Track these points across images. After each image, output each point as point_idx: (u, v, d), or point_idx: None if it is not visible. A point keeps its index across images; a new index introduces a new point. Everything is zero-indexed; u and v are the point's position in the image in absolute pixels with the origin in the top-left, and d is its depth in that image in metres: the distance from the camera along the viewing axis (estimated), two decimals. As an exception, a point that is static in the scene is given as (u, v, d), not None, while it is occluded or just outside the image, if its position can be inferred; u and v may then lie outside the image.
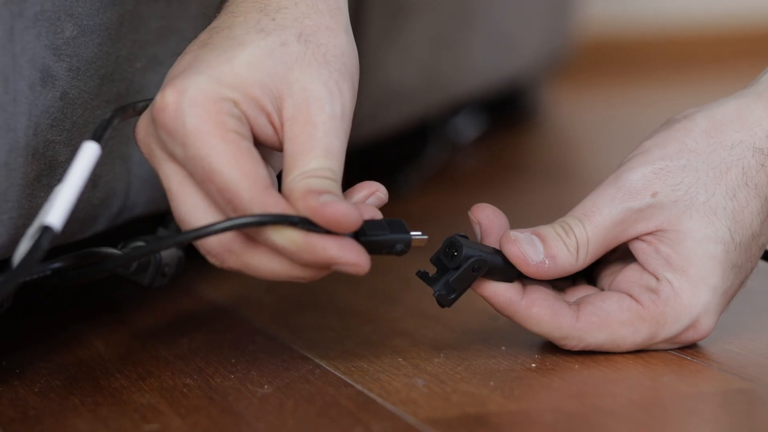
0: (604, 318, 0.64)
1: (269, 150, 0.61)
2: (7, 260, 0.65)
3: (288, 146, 0.59)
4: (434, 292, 0.63)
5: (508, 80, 1.61)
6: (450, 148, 1.50)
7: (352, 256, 0.57)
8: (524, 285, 0.64)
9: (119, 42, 0.69)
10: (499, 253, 0.63)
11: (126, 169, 0.72)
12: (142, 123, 0.60)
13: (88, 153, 0.58)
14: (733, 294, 0.66)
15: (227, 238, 0.59)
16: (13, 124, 0.62)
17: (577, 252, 0.64)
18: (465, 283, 0.63)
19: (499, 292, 0.64)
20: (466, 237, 0.64)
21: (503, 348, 0.67)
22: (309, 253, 0.57)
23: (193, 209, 0.59)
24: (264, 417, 0.59)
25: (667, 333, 0.64)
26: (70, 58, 0.65)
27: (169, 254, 0.70)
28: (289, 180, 0.58)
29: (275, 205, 0.57)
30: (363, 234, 0.59)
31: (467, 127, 1.60)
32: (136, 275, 0.68)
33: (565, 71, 1.92)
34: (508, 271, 0.64)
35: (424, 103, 1.29)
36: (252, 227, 0.57)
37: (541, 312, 0.64)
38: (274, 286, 0.83)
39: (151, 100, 0.60)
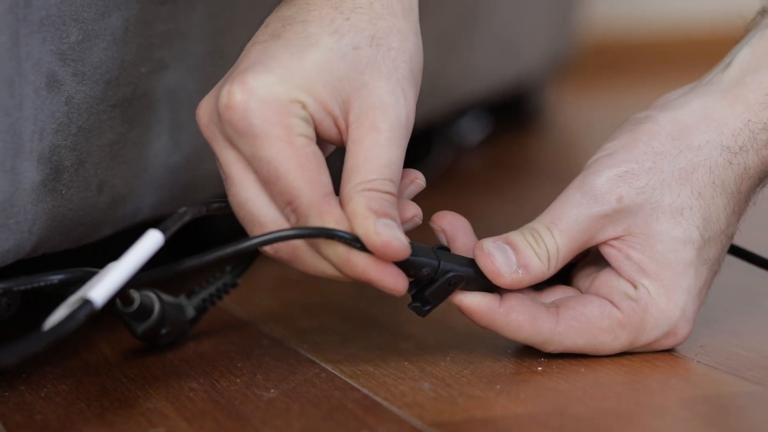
0: (584, 323, 0.64)
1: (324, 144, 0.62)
2: (11, 266, 0.65)
3: (351, 149, 0.60)
4: (410, 303, 0.63)
5: (512, 82, 1.61)
6: (455, 150, 1.50)
7: (390, 281, 0.59)
8: (501, 292, 0.64)
9: (125, 46, 0.69)
10: (475, 263, 0.64)
11: (132, 174, 0.72)
12: (206, 109, 0.60)
13: (151, 241, 0.57)
14: (707, 288, 0.66)
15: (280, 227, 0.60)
16: (19, 128, 0.62)
17: (548, 260, 0.63)
18: (441, 297, 0.63)
19: (476, 301, 0.63)
20: (446, 249, 0.64)
21: (509, 351, 0.67)
22: (349, 270, 0.59)
23: (254, 198, 0.60)
24: (270, 421, 0.59)
25: (646, 339, 0.64)
26: (75, 63, 0.65)
27: (174, 316, 0.69)
28: (350, 187, 0.59)
29: (332, 214, 0.58)
30: None
31: (472, 130, 1.60)
32: (135, 319, 0.68)
33: (569, 73, 1.92)
34: (486, 281, 0.63)
35: (428, 105, 1.29)
36: (302, 239, 0.59)
37: (520, 318, 0.63)
38: (279, 290, 0.83)
39: (222, 201, 0.61)
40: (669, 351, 0.67)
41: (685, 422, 0.58)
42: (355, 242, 0.58)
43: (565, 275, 0.68)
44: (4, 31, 0.60)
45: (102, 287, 0.55)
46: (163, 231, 0.58)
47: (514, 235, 0.64)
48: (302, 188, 0.58)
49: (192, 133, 0.77)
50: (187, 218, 0.59)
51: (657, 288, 0.64)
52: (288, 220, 0.60)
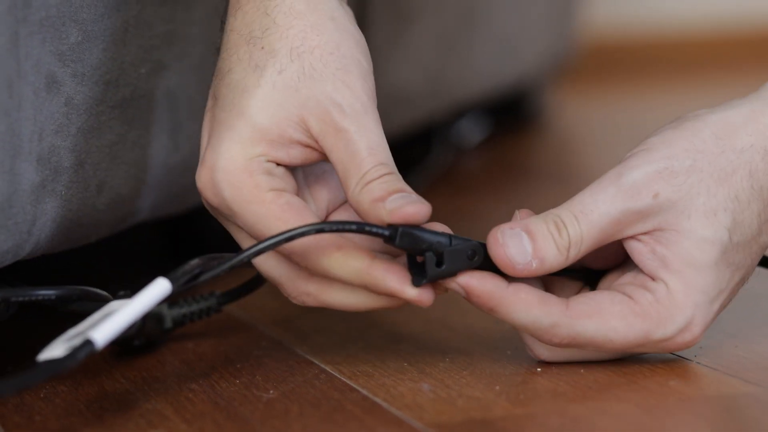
0: (594, 307, 0.62)
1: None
2: (10, 267, 0.65)
3: (332, 158, 0.60)
4: (425, 255, 0.60)
5: (512, 83, 1.61)
6: (454, 151, 1.50)
7: (413, 293, 0.59)
8: (509, 279, 0.62)
9: (124, 47, 0.69)
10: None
11: (131, 175, 0.72)
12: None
13: (158, 288, 0.57)
14: (730, 293, 0.64)
15: (298, 279, 0.62)
16: (18, 129, 0.62)
17: (568, 251, 0.61)
18: (455, 265, 0.60)
19: (483, 281, 0.61)
20: None
21: (508, 352, 0.67)
22: (372, 285, 0.59)
23: (264, 259, 0.62)
24: (269, 422, 0.59)
25: (662, 333, 0.62)
26: (74, 64, 0.65)
27: (152, 326, 0.70)
28: (350, 194, 0.60)
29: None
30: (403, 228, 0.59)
31: (471, 131, 1.60)
32: None
33: (569, 74, 1.92)
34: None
35: (428, 106, 1.29)
36: (323, 233, 0.59)
37: (530, 297, 0.61)
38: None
39: (234, 255, 0.61)
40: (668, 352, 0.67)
41: (685, 423, 0.58)
42: (382, 230, 0.59)
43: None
44: (3, 32, 0.60)
45: (105, 329, 0.55)
46: (172, 281, 0.58)
47: (535, 223, 0.61)
48: None
49: (191, 133, 0.77)
50: (197, 270, 0.59)
51: (676, 284, 0.62)
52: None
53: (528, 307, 0.61)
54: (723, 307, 0.64)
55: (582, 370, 0.64)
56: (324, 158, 0.62)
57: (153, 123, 0.74)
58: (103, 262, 0.96)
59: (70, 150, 0.66)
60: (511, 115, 1.76)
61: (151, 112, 0.73)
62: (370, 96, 0.61)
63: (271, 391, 0.63)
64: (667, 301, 0.62)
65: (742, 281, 0.65)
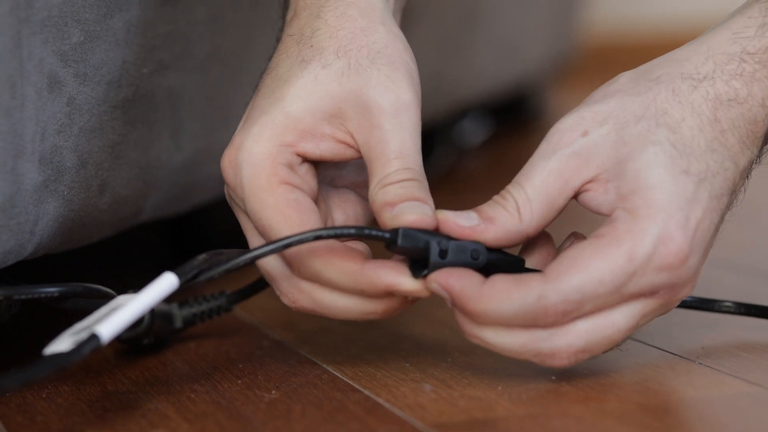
0: (569, 261, 0.58)
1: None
2: (11, 268, 0.65)
3: (363, 154, 0.61)
4: (429, 245, 0.59)
5: (513, 84, 1.61)
6: (456, 151, 1.50)
7: (411, 284, 0.59)
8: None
9: (126, 47, 0.69)
10: (500, 254, 0.61)
11: (133, 175, 0.72)
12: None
13: (165, 283, 0.57)
14: (706, 208, 0.59)
15: (293, 276, 0.61)
16: (20, 129, 0.62)
17: (519, 212, 0.59)
18: (458, 259, 0.59)
19: (462, 277, 0.59)
20: None
21: (510, 352, 0.67)
22: (366, 284, 0.59)
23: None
24: (271, 422, 0.59)
25: (642, 250, 0.58)
26: (77, 64, 0.65)
27: (161, 324, 0.69)
28: (370, 192, 0.60)
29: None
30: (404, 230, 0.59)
31: (473, 131, 1.60)
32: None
33: (570, 74, 1.92)
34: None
35: (430, 107, 1.29)
36: (322, 240, 0.58)
37: (505, 283, 0.58)
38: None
39: (232, 256, 0.60)
40: (670, 353, 0.67)
41: (687, 423, 0.58)
42: (382, 233, 0.58)
43: None
44: (5, 32, 0.60)
45: (111, 324, 0.55)
46: (179, 275, 0.58)
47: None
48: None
49: (193, 134, 0.77)
50: (206, 265, 0.59)
51: (635, 202, 0.59)
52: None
53: (508, 293, 0.58)
54: (699, 218, 0.59)
55: (584, 371, 0.64)
56: (357, 157, 0.62)
57: (155, 123, 0.74)
58: (107, 262, 0.96)
59: (72, 150, 0.66)
60: (513, 115, 1.76)
61: (153, 112, 0.73)
62: (415, 95, 0.62)
63: (273, 392, 0.63)
64: (632, 221, 0.59)
65: (711, 195, 0.60)
